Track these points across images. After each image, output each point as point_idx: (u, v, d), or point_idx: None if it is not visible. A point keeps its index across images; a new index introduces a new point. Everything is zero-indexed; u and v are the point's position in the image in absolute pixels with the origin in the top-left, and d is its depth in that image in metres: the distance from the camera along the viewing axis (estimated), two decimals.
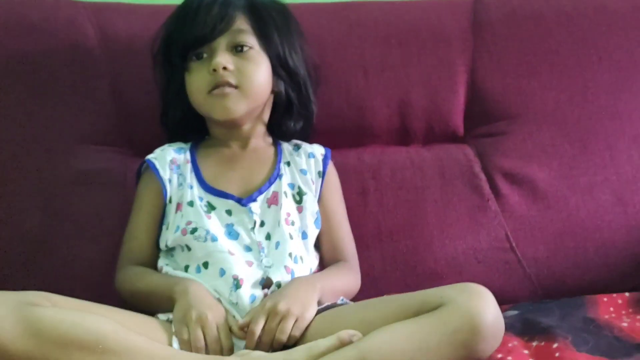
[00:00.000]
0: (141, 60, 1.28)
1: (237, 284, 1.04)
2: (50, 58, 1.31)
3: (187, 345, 0.94)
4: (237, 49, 1.12)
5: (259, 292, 1.04)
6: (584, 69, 1.42)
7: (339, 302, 1.08)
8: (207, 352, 0.94)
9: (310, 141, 1.29)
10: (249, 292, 1.03)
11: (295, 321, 0.96)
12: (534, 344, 1.00)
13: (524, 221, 1.34)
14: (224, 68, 1.09)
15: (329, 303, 1.06)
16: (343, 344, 0.85)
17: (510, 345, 0.99)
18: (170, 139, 1.22)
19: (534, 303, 1.25)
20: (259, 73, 1.12)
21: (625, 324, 1.04)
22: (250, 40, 1.12)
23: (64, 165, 1.27)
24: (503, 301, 1.22)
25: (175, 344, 0.95)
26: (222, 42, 1.10)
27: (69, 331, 0.83)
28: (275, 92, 1.18)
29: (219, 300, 1.03)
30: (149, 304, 1.05)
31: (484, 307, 0.86)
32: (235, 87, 1.10)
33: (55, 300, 0.90)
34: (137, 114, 1.32)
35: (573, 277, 1.32)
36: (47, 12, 1.36)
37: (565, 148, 1.38)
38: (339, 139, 1.36)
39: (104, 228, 1.25)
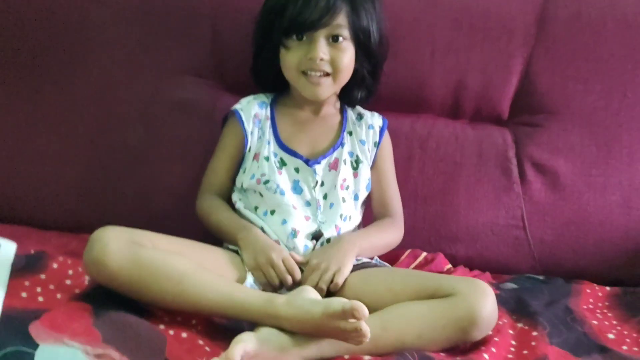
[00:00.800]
0: (240, 10, 1.48)
1: (294, 234, 1.29)
2: None
3: (266, 285, 1.21)
4: (333, 39, 1.30)
5: (310, 243, 1.29)
6: (628, 79, 1.58)
7: (374, 260, 1.34)
8: (281, 285, 1.21)
9: (373, 103, 1.48)
10: (302, 242, 1.29)
11: (334, 275, 1.21)
12: (519, 325, 1.25)
13: (539, 207, 1.56)
14: (321, 59, 1.28)
15: (367, 258, 1.32)
16: (345, 313, 1.02)
17: (500, 322, 1.24)
18: (259, 85, 1.42)
19: (530, 279, 1.50)
20: (348, 62, 1.32)
21: (595, 322, 1.28)
22: (345, 32, 1.30)
23: (164, 92, 1.50)
24: (507, 270, 1.50)
25: (250, 279, 1.21)
26: (322, 33, 1.27)
27: (160, 267, 1.10)
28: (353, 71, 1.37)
29: (276, 242, 1.28)
30: (217, 235, 1.32)
31: (484, 304, 1.11)
32: (328, 74, 1.30)
33: (153, 239, 1.16)
34: (232, 54, 1.51)
35: (570, 261, 1.56)
36: None
37: (591, 149, 1.58)
38: (398, 104, 1.57)
39: (192, 151, 1.49)
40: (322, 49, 1.28)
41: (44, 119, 1.46)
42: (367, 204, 1.44)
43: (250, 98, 1.40)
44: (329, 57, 1.29)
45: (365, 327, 1.00)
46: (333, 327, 1.02)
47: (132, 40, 1.49)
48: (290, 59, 1.31)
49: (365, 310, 1.00)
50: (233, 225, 1.29)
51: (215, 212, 1.33)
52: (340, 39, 1.30)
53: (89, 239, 1.13)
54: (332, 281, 1.21)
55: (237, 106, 1.38)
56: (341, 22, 1.29)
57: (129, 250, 1.10)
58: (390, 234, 1.38)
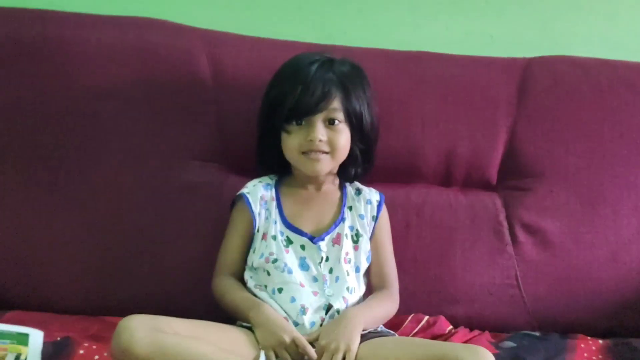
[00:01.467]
0: (244, 94, 1.58)
1: (303, 311, 1.38)
2: (169, 83, 1.61)
3: None
4: (330, 122, 1.41)
5: (318, 318, 1.37)
6: (606, 140, 1.69)
7: (378, 329, 1.43)
8: None
9: (370, 176, 1.58)
10: (310, 318, 1.37)
11: (345, 354, 1.29)
12: None
13: (532, 265, 1.65)
14: (320, 140, 1.39)
15: (371, 329, 1.40)
16: None
17: None
18: (263, 170, 1.53)
19: (527, 336, 1.58)
20: (345, 142, 1.43)
21: None
22: (340, 116, 1.42)
23: (174, 176, 1.59)
24: (505, 328, 1.59)
25: (263, 358, 1.30)
26: (320, 117, 1.39)
27: (183, 353, 1.18)
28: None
29: (286, 318, 1.36)
30: (231, 314, 1.40)
31: None
32: (327, 152, 1.41)
33: (173, 324, 1.24)
34: (236, 138, 1.61)
35: (563, 315, 1.64)
36: (169, 39, 1.64)
37: (576, 208, 1.68)
38: (393, 175, 1.67)
39: (203, 231, 1.57)
40: (320, 131, 1.40)
41: (61, 207, 1.55)
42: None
43: (255, 181, 1.50)
44: (327, 138, 1.40)
45: None
46: None
47: (140, 130, 1.59)
48: (292, 142, 1.41)
49: None
50: (245, 304, 1.38)
51: (229, 292, 1.42)
52: (336, 122, 1.41)
53: (117, 328, 1.20)
54: (343, 359, 1.28)
55: (244, 190, 1.47)
56: (336, 106, 1.41)
57: (154, 338, 1.18)
58: (389, 305, 1.46)
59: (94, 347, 1.34)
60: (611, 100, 1.70)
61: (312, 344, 1.32)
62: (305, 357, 1.29)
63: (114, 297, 1.52)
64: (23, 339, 1.28)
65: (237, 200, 1.49)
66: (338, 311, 1.38)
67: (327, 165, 1.43)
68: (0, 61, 1.57)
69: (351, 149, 1.47)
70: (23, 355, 1.25)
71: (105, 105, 1.58)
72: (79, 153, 1.57)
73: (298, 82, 1.40)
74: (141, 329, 1.19)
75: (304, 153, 1.41)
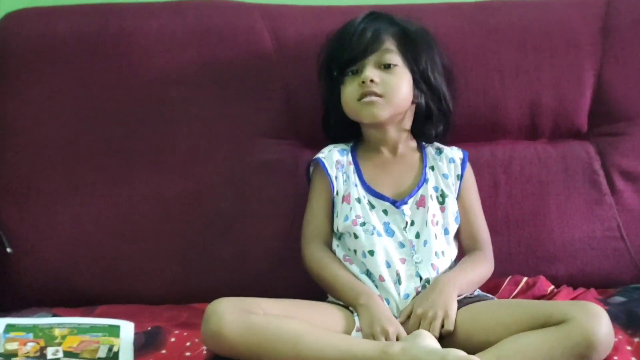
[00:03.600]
0: (309, 64, 1.51)
1: (399, 279, 1.31)
2: (234, 63, 1.57)
3: None
4: (385, 66, 1.35)
5: (412, 290, 1.31)
6: None
7: (475, 293, 1.35)
8: None
9: (448, 137, 1.50)
10: (404, 289, 1.31)
11: (443, 320, 1.23)
12: (636, 340, 1.23)
13: (635, 214, 1.53)
14: (371, 80, 1.33)
15: (467, 293, 1.33)
16: None
17: (616, 339, 1.22)
18: (332, 140, 1.47)
19: (637, 289, 1.47)
20: (401, 86, 1.36)
21: None
22: (396, 59, 1.36)
23: (248, 156, 1.55)
24: (610, 283, 1.49)
25: (354, 335, 1.24)
26: (371, 60, 1.34)
27: (275, 332, 1.14)
28: (416, 103, 1.41)
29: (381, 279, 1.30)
30: (328, 290, 1.35)
31: (599, 326, 1.10)
32: (380, 96, 1.34)
33: (262, 305, 1.20)
34: (306, 112, 1.56)
35: None
36: (229, 18, 1.61)
37: None
38: (475, 134, 1.58)
39: (281, 209, 1.53)
40: (371, 71, 1.34)
41: (138, 198, 1.53)
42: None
43: (330, 147, 1.44)
44: (380, 79, 1.34)
45: None
46: None
47: (209, 113, 1.55)
48: (348, 91, 1.37)
49: None
50: (353, 288, 1.30)
51: (329, 268, 1.35)
52: (392, 65, 1.35)
53: (205, 313, 1.18)
54: (442, 326, 1.21)
55: (319, 155, 1.42)
56: (389, 47, 1.36)
57: (244, 319, 1.14)
58: (484, 267, 1.38)
59: (185, 334, 1.31)
60: None
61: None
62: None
63: (199, 284, 1.50)
64: (114, 331, 1.28)
65: (312, 167, 1.44)
66: (428, 281, 1.31)
67: (384, 109, 1.35)
68: (65, 58, 1.57)
69: (419, 103, 1.39)
70: (116, 346, 1.24)
71: (172, 92, 1.55)
72: (150, 143, 1.55)
73: (349, 32, 1.36)
74: (230, 311, 1.15)
75: (359, 100, 1.35)
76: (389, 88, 1.34)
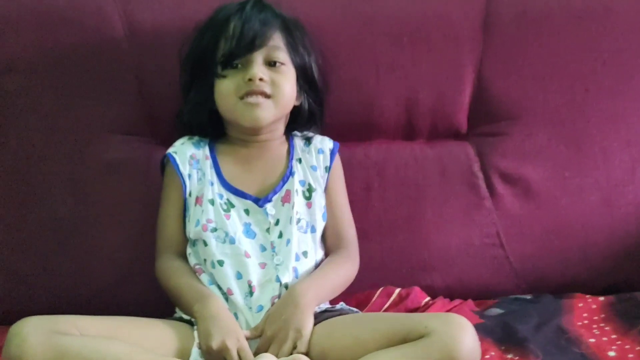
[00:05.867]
0: (166, 52, 1.35)
1: (250, 291, 1.16)
2: (79, 49, 1.38)
3: None
4: (272, 64, 1.22)
5: (267, 301, 1.16)
6: (587, 72, 1.48)
7: (338, 307, 1.22)
8: None
9: (320, 134, 1.37)
10: (257, 300, 1.16)
11: (295, 343, 1.09)
12: (509, 356, 1.12)
13: (515, 220, 1.44)
14: (260, 79, 1.19)
15: (327, 303, 1.21)
16: None
17: (487, 356, 1.12)
18: (185, 134, 1.31)
19: (516, 300, 1.37)
20: (290, 86, 1.23)
21: (593, 340, 1.15)
22: (283, 56, 1.23)
23: (92, 155, 1.38)
24: (489, 294, 1.38)
25: (195, 353, 1.08)
26: (259, 56, 1.20)
27: (90, 357, 0.98)
28: (297, 106, 1.29)
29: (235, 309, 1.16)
30: (175, 304, 1.21)
31: (462, 341, 0.98)
32: (269, 96, 1.20)
33: (81, 324, 1.03)
34: (161, 105, 1.40)
35: (556, 274, 1.44)
36: (75, 1, 1.42)
37: (560, 150, 1.47)
38: (347, 133, 1.45)
39: (130, 214, 1.36)
40: (260, 68, 1.21)
41: None
42: None
43: (184, 139, 1.29)
44: (269, 78, 1.20)
45: None
46: None
47: (49, 104, 1.37)
48: (227, 85, 1.22)
49: None
50: (190, 294, 1.16)
51: (174, 276, 1.20)
52: (279, 63, 1.22)
53: (7, 335, 1.00)
54: (294, 347, 1.08)
55: (170, 150, 1.27)
56: (277, 44, 1.23)
57: (52, 342, 0.98)
58: (347, 269, 1.25)
59: None
60: (588, 26, 1.49)
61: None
62: None
63: (29, 303, 1.31)
64: None
65: (165, 164, 1.28)
66: (287, 286, 1.17)
67: (269, 112, 1.22)
68: None
69: (301, 105, 1.29)
70: None
71: (4, 80, 1.36)
72: None
73: (232, 22, 1.22)
74: (36, 333, 0.98)
75: (241, 99, 1.21)
76: (277, 89, 1.21)
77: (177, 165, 1.25)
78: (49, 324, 1.00)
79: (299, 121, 1.31)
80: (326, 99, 1.34)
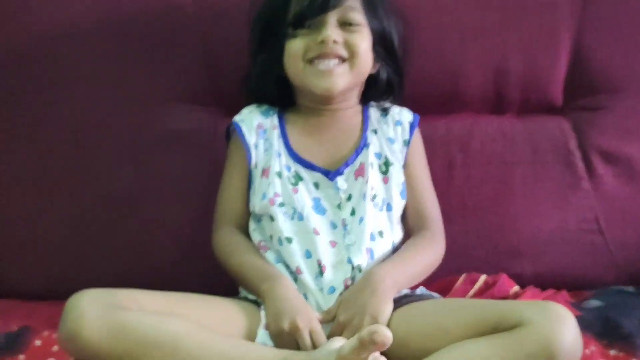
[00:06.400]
0: (232, 19, 1.28)
1: (320, 271, 1.06)
2: (143, 16, 1.31)
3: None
4: (346, 25, 1.12)
5: (340, 282, 1.06)
6: None
7: (418, 292, 1.10)
8: None
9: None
10: (329, 281, 1.06)
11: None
12: (612, 352, 1.00)
13: (616, 203, 1.31)
14: (334, 41, 1.09)
15: (408, 290, 1.09)
16: (363, 344, 0.83)
17: (588, 351, 0.99)
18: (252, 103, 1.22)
19: (618, 292, 1.23)
20: (367, 48, 1.13)
21: None
22: (359, 17, 1.13)
23: (156, 124, 1.31)
24: (584, 285, 1.24)
25: (262, 333, 1.00)
26: (333, 17, 1.11)
27: (148, 333, 0.90)
28: (373, 75, 1.18)
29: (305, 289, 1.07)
30: (238, 282, 1.12)
31: (562, 333, 0.85)
32: (343, 60, 1.11)
33: (141, 298, 0.95)
34: (227, 73, 1.31)
35: None
36: None
37: None
38: (429, 105, 1.33)
39: (194, 187, 1.29)
40: (334, 30, 1.10)
41: (17, 176, 1.28)
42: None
43: (252, 107, 1.20)
44: (342, 40, 1.11)
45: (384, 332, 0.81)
46: None
47: (109, 72, 1.30)
48: (296, 45, 1.12)
49: (387, 332, 0.81)
50: (256, 273, 1.07)
51: (236, 253, 1.11)
52: (354, 24, 1.12)
53: (65, 308, 0.93)
54: None
55: (236, 117, 1.19)
56: (353, 4, 1.13)
57: (110, 317, 0.90)
58: (431, 252, 1.13)
59: (54, 336, 1.06)
60: None
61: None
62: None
63: (87, 279, 1.22)
64: None
65: (231, 132, 1.19)
66: (360, 269, 1.06)
67: (344, 79, 1.12)
68: None
69: (378, 72, 1.18)
70: None
71: (60, 49, 1.29)
72: (32, 110, 1.29)
73: None
74: (94, 307, 0.91)
75: (311, 63, 1.11)
76: (353, 48, 1.11)
77: (243, 134, 1.16)
78: (108, 297, 0.93)
79: (375, 92, 1.20)
80: (406, 69, 1.23)
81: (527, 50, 1.33)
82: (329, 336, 1.00)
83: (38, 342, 1.06)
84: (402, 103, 1.26)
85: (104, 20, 1.30)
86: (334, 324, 1.01)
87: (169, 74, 1.31)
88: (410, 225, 1.16)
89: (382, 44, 1.18)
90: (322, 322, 1.02)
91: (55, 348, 1.04)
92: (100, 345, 0.88)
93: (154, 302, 0.96)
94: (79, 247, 1.27)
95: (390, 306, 1.01)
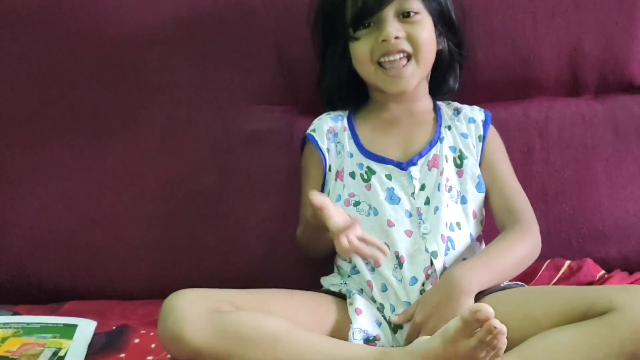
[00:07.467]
0: (303, 18, 1.28)
1: (399, 262, 1.08)
2: (218, 21, 1.35)
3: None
4: (404, 15, 1.12)
5: (421, 271, 1.07)
6: None
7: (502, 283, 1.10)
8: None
9: (472, 95, 1.26)
10: (409, 272, 1.07)
11: None
12: None
13: None
14: (396, 37, 1.10)
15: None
16: (467, 324, 0.84)
17: None
18: (328, 105, 1.25)
19: None
20: (429, 37, 1.14)
21: None
22: (416, 5, 1.13)
23: (235, 125, 1.34)
24: None
25: (356, 326, 1.02)
26: (390, 11, 1.11)
27: (248, 332, 0.92)
28: (437, 51, 1.18)
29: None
30: (319, 250, 1.14)
31: None
32: (409, 55, 1.11)
33: (235, 298, 0.99)
34: (302, 72, 1.33)
35: None
36: None
37: None
38: (503, 91, 1.33)
39: (274, 185, 1.32)
40: (394, 26, 1.12)
41: (112, 178, 1.34)
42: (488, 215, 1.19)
43: (322, 116, 1.24)
44: (404, 34, 1.11)
45: (498, 323, 0.81)
46: (463, 351, 0.84)
47: (191, 76, 1.34)
48: (361, 48, 1.14)
49: (489, 308, 0.81)
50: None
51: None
52: (413, 13, 1.13)
53: (162, 309, 0.97)
54: None
55: (309, 130, 1.22)
56: None
57: (211, 318, 0.93)
58: (524, 245, 1.11)
59: (152, 334, 1.12)
60: None
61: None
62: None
63: (181, 275, 1.30)
64: (69, 332, 1.12)
65: (305, 144, 1.23)
66: (435, 255, 1.07)
67: (413, 77, 1.14)
68: (26, 20, 1.36)
69: (443, 51, 1.18)
70: (63, 350, 1.08)
71: (146, 55, 1.34)
72: (123, 113, 1.34)
73: None
74: (194, 308, 0.94)
75: (379, 64, 1.13)
76: (416, 41, 1.12)
77: (316, 142, 1.19)
78: (206, 298, 0.96)
79: (440, 67, 1.21)
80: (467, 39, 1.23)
81: (603, 28, 1.31)
82: (407, 338, 1.02)
83: (137, 340, 1.11)
84: (475, 90, 1.26)
85: (183, 27, 1.34)
86: (410, 325, 1.03)
87: (245, 76, 1.35)
88: (501, 223, 1.14)
89: (442, 22, 1.18)
90: (400, 322, 1.04)
91: (153, 345, 1.09)
92: (202, 346, 0.92)
93: (248, 301, 0.99)
94: (170, 246, 1.31)
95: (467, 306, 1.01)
